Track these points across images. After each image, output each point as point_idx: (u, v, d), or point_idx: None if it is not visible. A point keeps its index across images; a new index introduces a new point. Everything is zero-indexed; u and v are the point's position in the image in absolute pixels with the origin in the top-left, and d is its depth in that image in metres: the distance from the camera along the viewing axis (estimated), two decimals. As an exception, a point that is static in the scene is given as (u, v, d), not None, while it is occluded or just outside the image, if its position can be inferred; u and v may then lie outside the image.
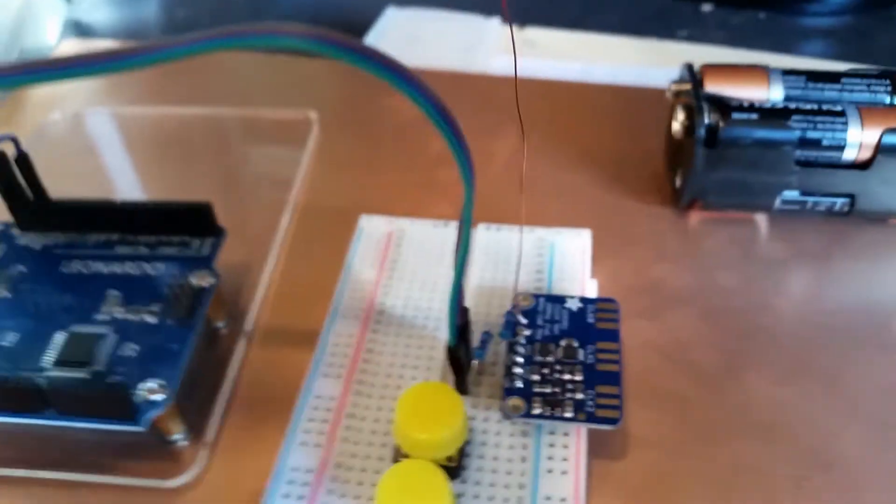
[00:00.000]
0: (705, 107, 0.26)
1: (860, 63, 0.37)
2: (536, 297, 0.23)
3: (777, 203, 0.27)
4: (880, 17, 0.41)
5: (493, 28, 0.39)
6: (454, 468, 0.20)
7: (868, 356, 0.24)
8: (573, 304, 0.23)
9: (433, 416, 0.19)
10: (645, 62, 0.36)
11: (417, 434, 0.19)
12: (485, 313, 0.24)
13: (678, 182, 0.28)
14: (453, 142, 0.17)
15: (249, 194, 0.31)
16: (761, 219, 0.28)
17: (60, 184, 0.27)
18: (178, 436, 0.23)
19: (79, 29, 0.43)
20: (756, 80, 0.27)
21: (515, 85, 0.18)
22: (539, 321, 0.23)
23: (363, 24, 0.40)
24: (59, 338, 0.23)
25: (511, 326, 0.22)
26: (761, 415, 0.22)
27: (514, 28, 0.39)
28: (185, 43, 0.15)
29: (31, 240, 0.26)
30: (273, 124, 0.33)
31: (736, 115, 0.26)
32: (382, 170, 0.31)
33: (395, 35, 0.39)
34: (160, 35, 0.42)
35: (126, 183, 0.32)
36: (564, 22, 0.41)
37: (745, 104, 0.26)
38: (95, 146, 0.33)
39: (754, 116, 0.26)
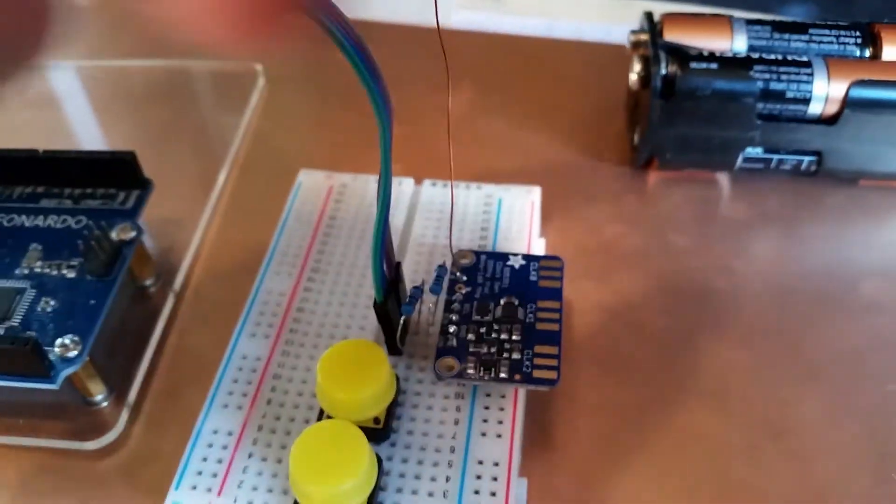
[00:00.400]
0: (662, 56, 0.24)
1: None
2: (478, 254, 0.22)
3: (739, 161, 0.26)
4: (862, -22, 0.39)
5: (456, -18, 0.37)
6: (380, 430, 0.19)
7: (832, 320, 0.23)
8: (516, 262, 0.22)
9: (356, 374, 0.18)
10: (613, 19, 0.35)
11: (338, 393, 0.18)
12: (424, 271, 0.23)
13: (636, 139, 0.27)
14: (363, 73, 0.15)
15: (189, 148, 0.29)
16: (723, 178, 0.27)
17: None
18: (98, 397, 0.22)
19: None
20: (718, 29, 0.26)
21: (438, 31, 0.17)
22: (479, 279, 0.21)
23: None
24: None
25: (441, 281, 0.20)
26: (713, 380, 0.21)
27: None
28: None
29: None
30: (218, 76, 0.32)
31: (694, 65, 0.24)
32: (329, 126, 0.30)
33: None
34: None
35: (62, 137, 0.30)
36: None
37: (705, 53, 0.25)
38: (31, 100, 0.32)
39: (714, 66, 0.24)
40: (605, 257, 0.24)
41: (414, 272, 0.23)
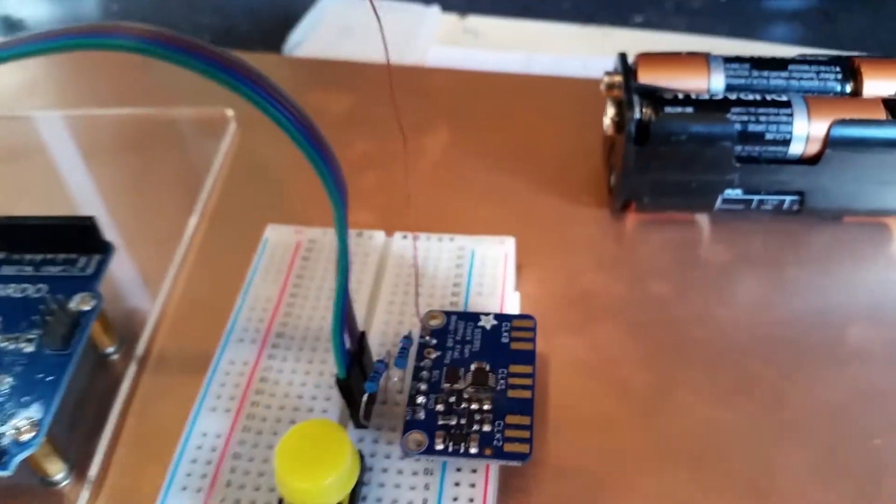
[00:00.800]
0: (636, 100, 0.24)
1: (825, 48, 0.35)
2: (448, 314, 0.21)
3: (718, 203, 0.25)
4: (846, -3, 0.39)
5: (432, 17, 0.36)
6: (345, 513, 0.18)
7: (817, 372, 0.22)
8: (487, 322, 0.21)
9: (315, 460, 0.17)
10: (592, 51, 0.34)
11: (296, 482, 0.17)
12: (394, 333, 0.22)
13: (613, 181, 0.26)
14: (315, 158, 0.15)
15: (157, 198, 0.28)
16: (703, 220, 0.26)
17: None
18: (58, 476, 0.21)
19: (7, 25, 0.41)
20: (695, 68, 0.25)
21: (390, 81, 0.16)
22: (449, 342, 0.21)
23: (297, 13, 0.38)
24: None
25: (406, 353, 0.20)
26: (694, 441, 0.20)
27: (455, 16, 0.37)
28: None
29: None
30: (188, 123, 0.31)
31: (669, 109, 0.24)
32: (301, 173, 0.28)
33: (329, 24, 0.37)
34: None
35: (27, 189, 0.29)
36: (512, 9, 0.38)
37: (681, 96, 0.24)
38: (1, 152, 0.31)
39: (690, 109, 0.24)
40: (582, 308, 0.24)
41: (383, 333, 0.22)
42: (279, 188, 0.28)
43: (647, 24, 0.38)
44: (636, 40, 0.35)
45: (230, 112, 0.30)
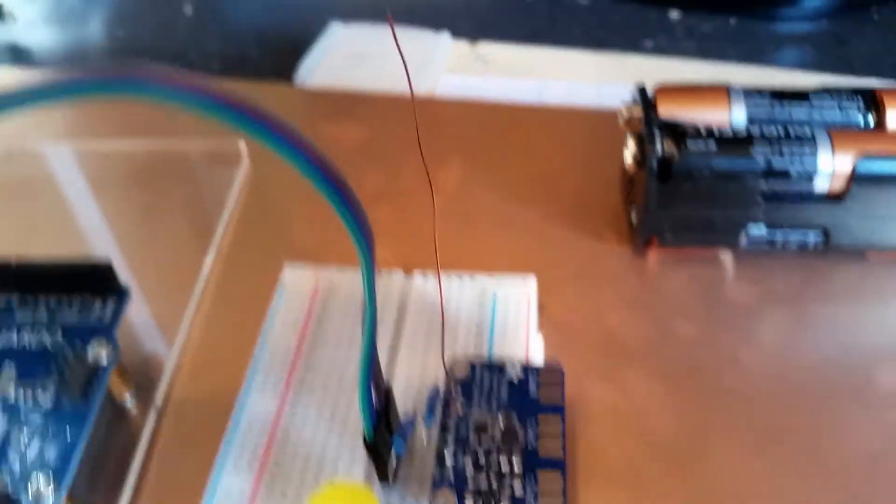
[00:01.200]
0: (657, 135, 0.23)
1: (837, 72, 0.35)
2: (473, 366, 0.21)
3: (743, 240, 0.24)
4: (857, 20, 0.38)
5: (442, 44, 0.36)
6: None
7: (848, 417, 0.22)
8: (514, 374, 0.21)
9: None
10: (605, 78, 0.34)
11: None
12: (419, 382, 0.21)
13: (634, 218, 0.26)
14: (345, 213, 0.14)
15: (169, 236, 0.28)
16: (727, 257, 0.26)
17: None
18: (77, 532, 0.20)
19: (14, 53, 0.41)
20: (716, 101, 0.25)
21: (416, 127, 0.16)
22: (476, 395, 0.20)
23: (306, 41, 0.37)
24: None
25: (433, 409, 0.19)
26: (727, 489, 0.20)
27: (466, 44, 0.37)
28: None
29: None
30: (200, 156, 0.31)
31: (692, 145, 0.23)
32: (315, 207, 0.28)
33: (338, 52, 0.36)
34: (101, 57, 0.40)
35: (41, 227, 0.29)
36: (522, 35, 0.38)
37: (703, 131, 0.24)
38: (8, 189, 0.30)
39: (712, 145, 0.23)
40: (608, 351, 0.23)
41: (407, 379, 0.22)
42: (294, 223, 0.28)
43: (658, 49, 0.37)
44: (649, 67, 0.35)
45: (243, 145, 0.30)
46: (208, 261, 0.26)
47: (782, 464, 0.20)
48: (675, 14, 0.40)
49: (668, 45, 0.38)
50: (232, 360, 0.23)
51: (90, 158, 0.31)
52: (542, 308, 0.24)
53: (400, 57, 0.16)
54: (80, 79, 0.13)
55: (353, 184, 0.31)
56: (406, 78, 0.16)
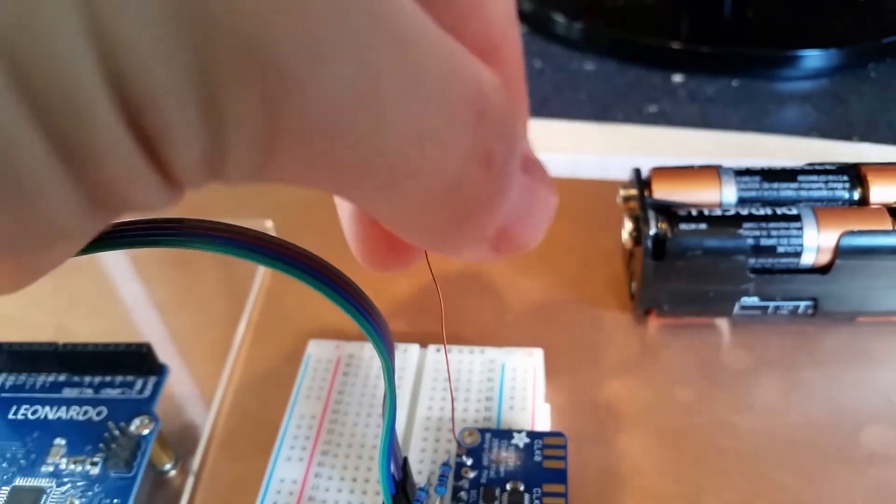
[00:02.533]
0: (651, 217, 0.25)
1: (836, 130, 0.36)
2: (482, 432, 0.23)
3: (736, 309, 0.26)
4: (856, 77, 0.40)
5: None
6: None
7: (834, 473, 0.23)
8: (520, 440, 0.22)
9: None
10: (608, 149, 0.36)
11: None
12: (433, 449, 0.23)
13: (633, 288, 0.27)
14: (371, 333, 0.16)
15: (204, 311, 0.30)
16: (722, 323, 0.27)
17: (16, 311, 0.28)
18: None
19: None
20: (707, 181, 0.27)
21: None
22: (485, 461, 0.22)
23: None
24: (3, 493, 0.23)
25: (445, 481, 0.21)
26: (720, 551, 0.22)
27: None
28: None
29: (-22, 383, 0.26)
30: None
31: (684, 226, 0.25)
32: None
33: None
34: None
35: (81, 303, 0.31)
36: (532, 103, 0.40)
37: (694, 212, 0.25)
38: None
39: (703, 226, 0.25)
40: (610, 417, 0.25)
41: (422, 451, 0.23)
42: (317, 300, 0.30)
43: (661, 114, 0.39)
44: (650, 137, 0.37)
45: (270, 223, 0.32)
46: (239, 333, 0.29)
47: (771, 524, 0.22)
48: (678, 77, 0.42)
49: (672, 109, 0.40)
50: (262, 428, 0.25)
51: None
52: (548, 375, 0.26)
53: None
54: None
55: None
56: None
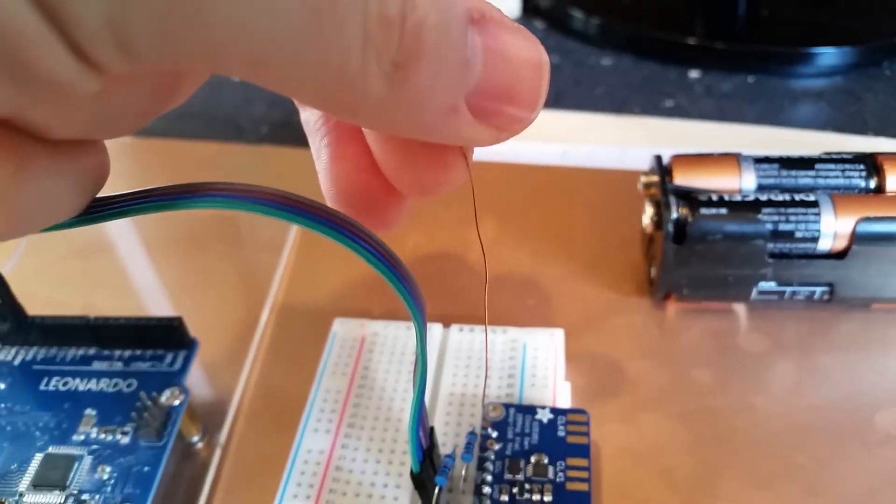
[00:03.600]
0: (672, 201, 0.26)
1: (851, 127, 0.37)
2: (507, 407, 0.23)
3: (754, 294, 0.27)
4: (870, 75, 0.41)
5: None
6: None
7: (850, 455, 0.24)
8: (543, 416, 0.23)
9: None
10: (626, 141, 0.36)
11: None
12: (456, 423, 0.24)
13: (653, 273, 0.28)
14: (403, 292, 0.17)
15: (230, 291, 0.31)
16: (740, 308, 0.28)
17: (45, 289, 0.29)
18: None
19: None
20: (727, 168, 0.27)
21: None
22: (509, 434, 0.23)
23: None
24: (36, 460, 0.23)
25: (471, 448, 0.22)
26: (738, 525, 0.22)
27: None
28: (121, 205, 0.15)
29: (11, 355, 0.26)
30: (253, 219, 0.33)
31: (704, 211, 0.26)
32: (361, 265, 0.31)
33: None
34: (152, 123, 0.43)
35: (108, 284, 0.32)
36: (549, 96, 0.41)
37: (714, 198, 0.26)
38: (78, 248, 0.33)
39: (723, 211, 0.26)
40: (630, 397, 0.25)
41: (445, 424, 0.24)
42: (341, 281, 0.30)
43: (678, 108, 0.40)
44: (668, 129, 0.37)
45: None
46: (264, 315, 0.29)
47: (788, 498, 0.22)
48: (694, 73, 0.42)
49: (688, 104, 0.40)
50: (288, 403, 0.26)
51: (148, 220, 0.34)
52: (568, 357, 0.26)
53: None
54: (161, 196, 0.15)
55: (396, 242, 0.33)
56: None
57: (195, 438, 0.25)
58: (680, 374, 0.26)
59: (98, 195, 0.14)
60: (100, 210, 0.14)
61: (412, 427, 0.19)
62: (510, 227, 0.32)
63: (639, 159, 0.29)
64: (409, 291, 0.17)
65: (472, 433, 0.22)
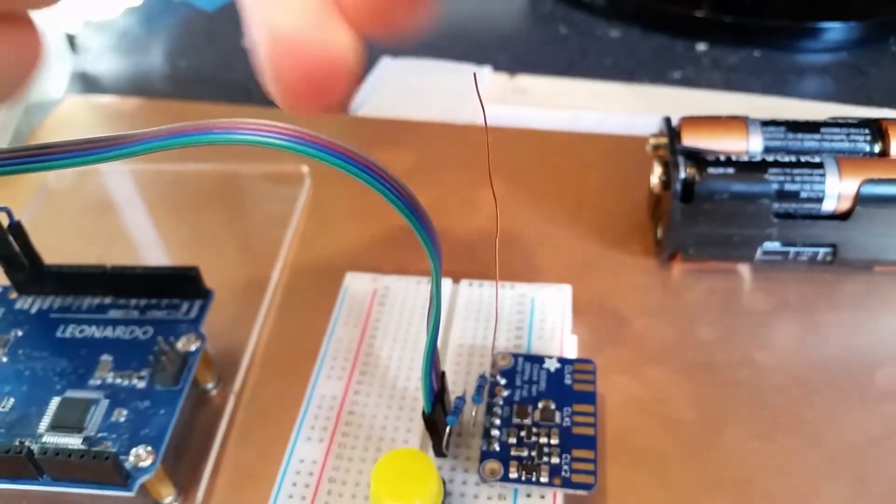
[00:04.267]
0: (681, 161, 0.26)
1: (855, 102, 0.37)
2: (515, 356, 0.24)
3: (758, 254, 0.27)
4: (876, 51, 0.41)
5: (484, 76, 0.39)
6: (430, 533, 0.20)
7: (850, 410, 0.24)
8: (551, 365, 0.23)
9: (407, 483, 0.20)
10: (634, 108, 0.37)
11: (391, 501, 0.19)
12: (465, 372, 0.24)
13: (659, 234, 0.28)
14: (419, 228, 0.17)
15: (242, 250, 0.31)
16: (744, 269, 0.28)
17: (60, 244, 0.29)
18: (168, 499, 0.23)
19: (84, 81, 0.44)
20: (735, 131, 0.28)
21: (487, 146, 0.19)
22: (518, 381, 0.23)
23: (358, 74, 0.40)
24: (54, 403, 0.24)
25: (481, 391, 0.22)
26: (739, 471, 0.23)
27: (505, 76, 0.40)
28: (141, 140, 0.15)
29: (28, 303, 0.27)
30: (266, 178, 0.34)
31: (712, 170, 0.26)
32: (372, 224, 0.31)
33: (389, 85, 0.40)
34: (164, 87, 0.43)
35: (122, 240, 0.32)
36: (558, 66, 0.41)
37: (722, 158, 0.26)
38: (92, 205, 0.34)
39: (730, 170, 0.26)
40: (635, 351, 0.26)
41: (455, 374, 0.24)
42: (353, 236, 0.31)
43: (685, 80, 0.40)
44: (676, 98, 0.38)
45: (305, 168, 0.33)
46: (277, 270, 0.30)
47: (790, 448, 0.23)
48: (701, 46, 0.42)
49: (696, 76, 0.40)
50: (301, 353, 0.26)
51: (165, 179, 0.35)
52: (575, 313, 0.27)
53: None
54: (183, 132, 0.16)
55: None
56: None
57: (210, 385, 0.26)
58: (684, 331, 0.26)
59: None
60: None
61: (425, 367, 0.20)
62: (519, 189, 0.32)
63: (648, 126, 0.30)
64: (424, 228, 0.17)
65: (482, 376, 0.22)
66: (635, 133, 0.34)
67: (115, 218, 0.34)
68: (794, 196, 0.26)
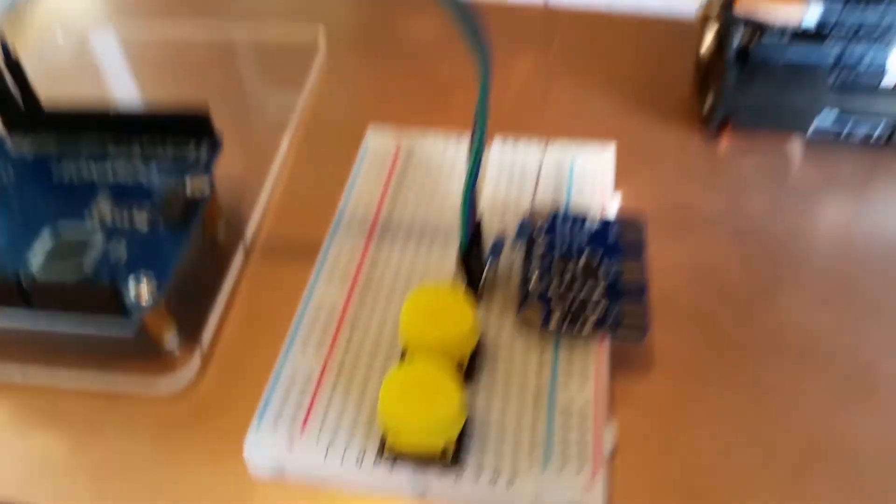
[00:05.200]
0: (737, 26, 0.24)
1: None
2: (555, 213, 0.22)
3: (810, 132, 0.25)
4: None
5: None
6: (463, 375, 0.18)
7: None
8: (594, 221, 0.22)
9: (442, 315, 0.18)
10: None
11: (426, 332, 0.18)
12: (497, 230, 0.22)
13: (708, 105, 0.26)
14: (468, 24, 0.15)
15: (255, 109, 0.29)
16: (794, 148, 0.26)
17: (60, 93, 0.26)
18: (171, 343, 0.21)
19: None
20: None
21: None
22: (558, 238, 0.21)
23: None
24: (48, 233, 0.22)
25: (525, 230, 0.20)
26: (795, 337, 0.21)
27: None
28: None
29: (24, 146, 0.25)
30: (281, 38, 0.32)
31: (768, 35, 0.24)
32: (390, 93, 0.29)
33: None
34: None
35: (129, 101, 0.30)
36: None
37: (779, 24, 0.24)
38: (99, 65, 0.32)
39: (787, 37, 0.24)
40: (680, 217, 0.24)
41: (487, 231, 0.22)
42: (369, 104, 0.29)
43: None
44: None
45: (321, 27, 0.31)
46: (291, 127, 0.28)
47: (848, 315, 0.21)
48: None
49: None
50: (316, 209, 0.24)
51: (177, 38, 0.33)
52: (617, 180, 0.25)
53: None
54: None
55: (432, 70, 0.31)
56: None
57: (220, 233, 0.24)
58: (732, 200, 0.25)
59: None
60: None
61: (465, 196, 0.18)
62: (554, 64, 0.30)
63: (687, 11, 0.28)
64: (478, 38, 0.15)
65: (524, 220, 0.21)
66: (674, 16, 0.32)
67: (122, 79, 0.31)
68: (852, 67, 0.24)
